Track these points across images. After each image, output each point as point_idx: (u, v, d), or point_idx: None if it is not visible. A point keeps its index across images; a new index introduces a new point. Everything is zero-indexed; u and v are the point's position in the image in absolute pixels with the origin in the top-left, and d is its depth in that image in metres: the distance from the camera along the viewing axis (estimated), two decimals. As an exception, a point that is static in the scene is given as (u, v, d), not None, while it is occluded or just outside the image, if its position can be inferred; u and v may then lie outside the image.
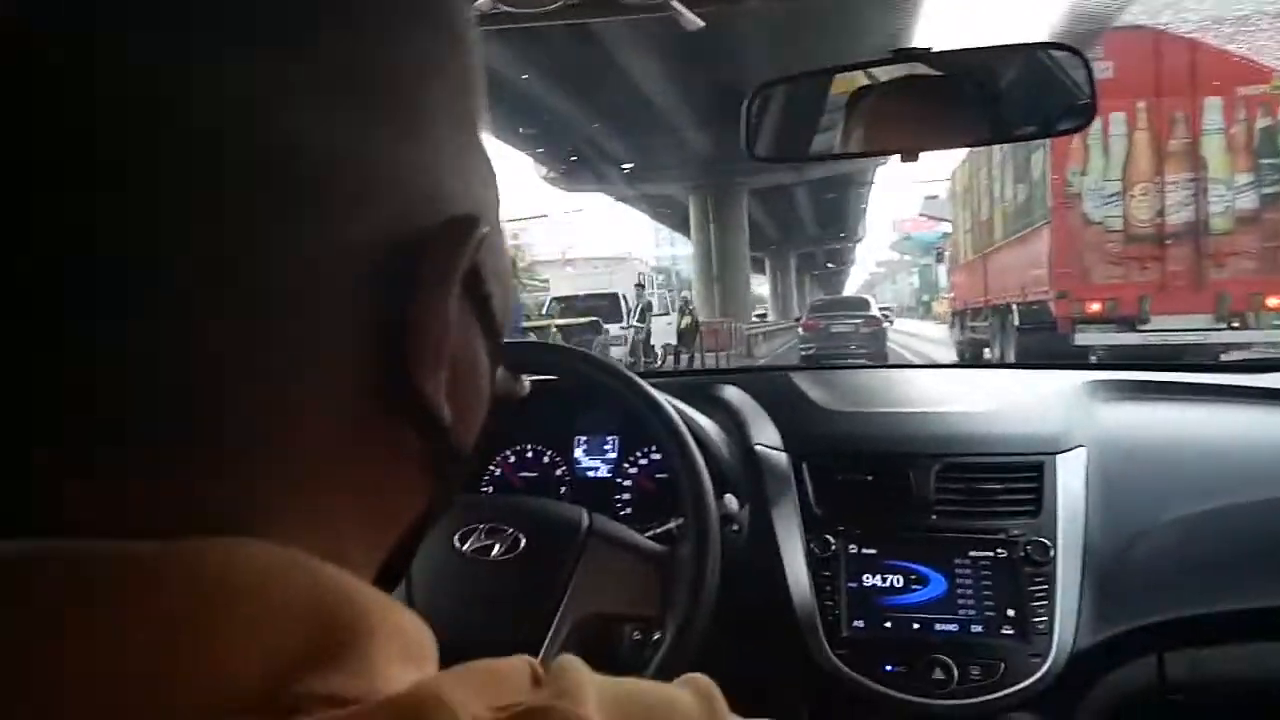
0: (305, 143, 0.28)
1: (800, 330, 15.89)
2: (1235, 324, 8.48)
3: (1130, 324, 8.62)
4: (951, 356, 15.39)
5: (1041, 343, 9.27)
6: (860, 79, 1.03)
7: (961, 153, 14.08)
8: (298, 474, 0.29)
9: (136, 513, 0.27)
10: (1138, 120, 8.57)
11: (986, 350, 12.17)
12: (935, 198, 16.17)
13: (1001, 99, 1.05)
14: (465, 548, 0.93)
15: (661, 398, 0.96)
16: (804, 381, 1.35)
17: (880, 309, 17.11)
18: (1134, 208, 8.71)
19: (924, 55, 0.97)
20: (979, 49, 1.05)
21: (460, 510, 0.97)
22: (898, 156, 1.03)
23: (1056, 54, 1.01)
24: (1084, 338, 8.76)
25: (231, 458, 0.28)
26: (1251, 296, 8.38)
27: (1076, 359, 8.23)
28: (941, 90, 1.03)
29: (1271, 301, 8.40)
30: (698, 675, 0.33)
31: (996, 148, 11.09)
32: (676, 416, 0.95)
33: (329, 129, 0.28)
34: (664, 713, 0.30)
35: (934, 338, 19.40)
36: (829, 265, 67.25)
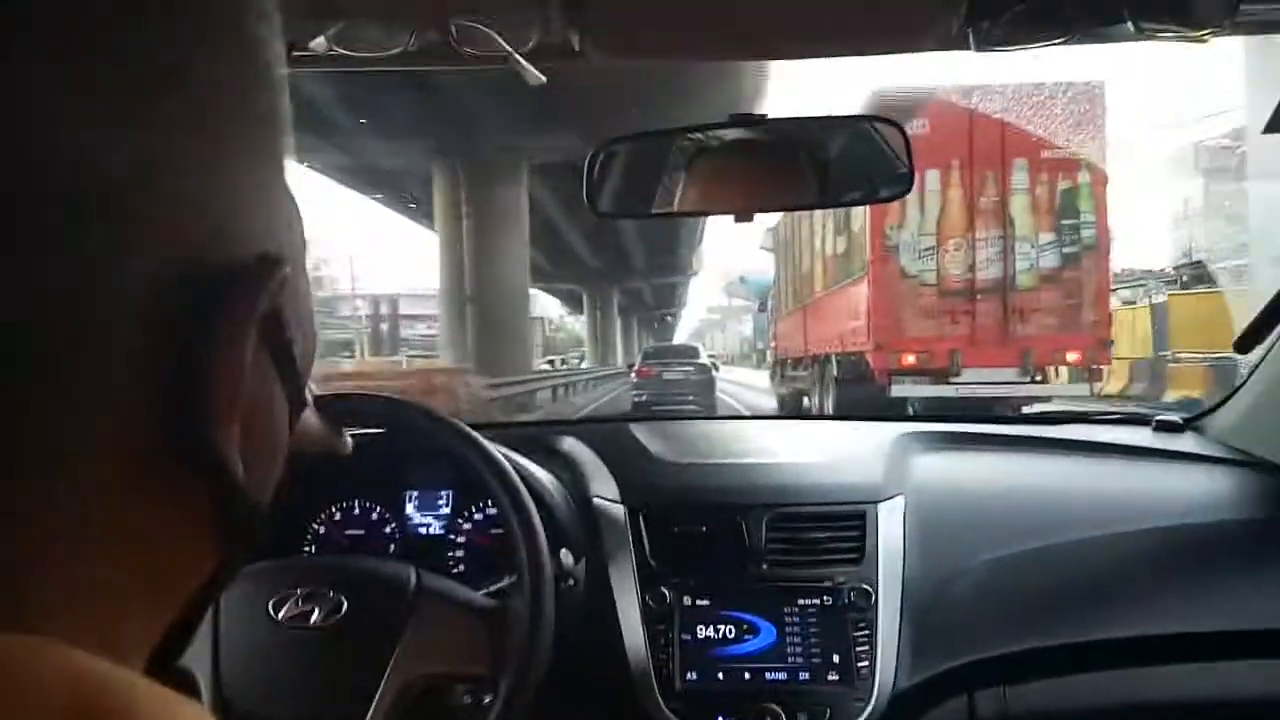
0: (90, 162, 0.25)
1: (634, 376, 16.38)
2: (1039, 378, 8.98)
3: (944, 376, 8.97)
4: (774, 406, 15.97)
5: (858, 394, 9.60)
6: (698, 141, 1.05)
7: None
8: (60, 531, 0.26)
9: None
10: (950, 178, 8.99)
11: (806, 400, 12.53)
12: (775, 228, 16.30)
13: (830, 166, 1.07)
14: (281, 616, 0.87)
15: (495, 451, 0.95)
16: (642, 433, 1.38)
17: (708, 357, 17.84)
18: (947, 262, 9.07)
19: (759, 121, 1.00)
20: (810, 118, 1.08)
21: (273, 575, 0.92)
22: (732, 217, 1.05)
23: (880, 126, 1.04)
24: (900, 389, 9.09)
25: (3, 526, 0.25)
26: (1053, 352, 8.90)
27: (893, 410, 8.65)
28: (774, 155, 1.05)
29: (1070, 356, 8.91)
30: None
31: None
32: (511, 470, 0.94)
33: (119, 151, 0.26)
34: None
35: (762, 387, 19.82)
36: (661, 312, 68.16)
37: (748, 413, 13.30)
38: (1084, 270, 8.94)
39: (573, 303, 60.55)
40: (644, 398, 14.90)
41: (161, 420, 0.28)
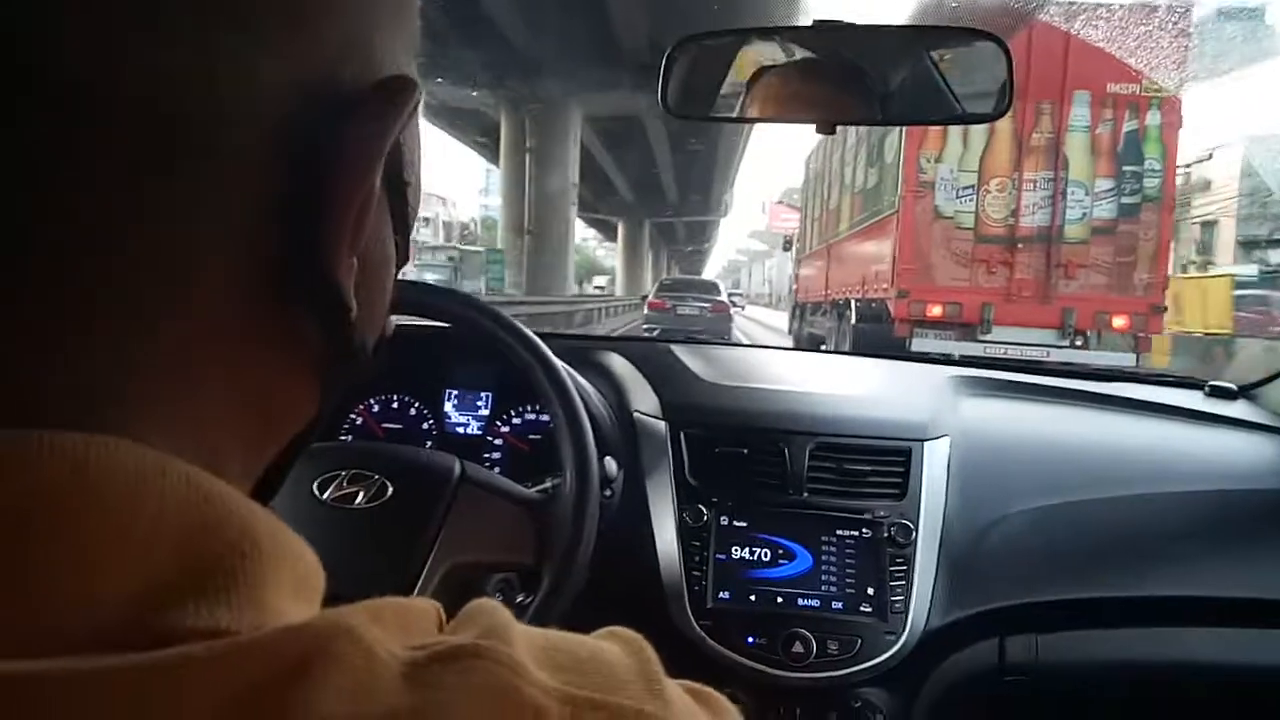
0: None
1: (646, 309, 16.38)
2: (1079, 343, 8.55)
3: (972, 332, 8.57)
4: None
5: (877, 346, 9.09)
6: (764, 54, 1.07)
7: (816, 141, 14.56)
8: (178, 363, 0.27)
9: None
10: None
11: (823, 348, 12.11)
12: (807, 160, 16.05)
13: (917, 79, 1.05)
14: (326, 496, 0.92)
15: (550, 352, 1.01)
16: (685, 354, 1.43)
17: (730, 294, 17.94)
18: (988, 205, 8.57)
19: (844, 28, 1.00)
20: (901, 27, 1.09)
21: (320, 456, 0.96)
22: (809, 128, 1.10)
23: (978, 41, 1.03)
24: (921, 343, 8.65)
25: (101, 337, 0.25)
26: (1097, 315, 8.43)
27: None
28: (858, 65, 1.05)
29: (1117, 321, 8.42)
30: (624, 630, 0.32)
31: (854, 131, 11.08)
32: (564, 371, 1.00)
33: None
34: (595, 667, 0.28)
35: (777, 326, 19.60)
36: (691, 247, 69.71)
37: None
38: (1142, 224, 8.37)
39: (607, 231, 63.82)
40: (655, 331, 14.70)
41: (285, 241, 0.28)
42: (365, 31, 0.29)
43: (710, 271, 77.04)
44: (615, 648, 0.30)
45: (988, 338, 8.46)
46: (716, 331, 14.53)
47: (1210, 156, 19.85)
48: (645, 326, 15.71)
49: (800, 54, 1.07)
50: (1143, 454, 1.30)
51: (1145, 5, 8.15)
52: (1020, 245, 8.47)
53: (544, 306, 16.65)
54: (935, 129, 8.42)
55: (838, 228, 12.27)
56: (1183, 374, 1.65)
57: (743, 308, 21.36)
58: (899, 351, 8.55)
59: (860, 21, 1.02)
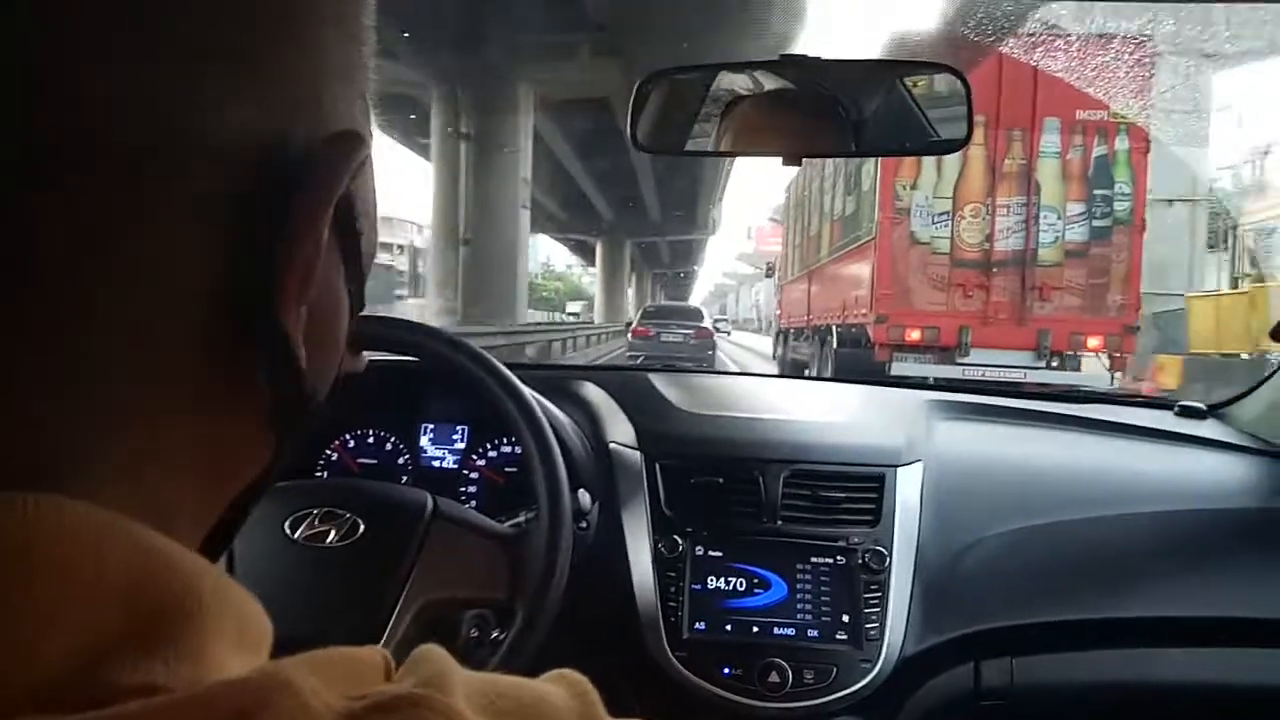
0: (180, 18, 0.26)
1: (630, 336, 16.33)
2: (1055, 364, 8.62)
3: (950, 355, 8.66)
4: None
5: (857, 370, 9.16)
6: (738, 84, 1.09)
7: (797, 169, 14.23)
8: (128, 419, 0.27)
9: None
10: (974, 136, 7.96)
11: (806, 373, 12.18)
12: (788, 189, 16.05)
13: (881, 112, 1.08)
14: (297, 535, 0.91)
15: (521, 384, 1.01)
16: (661, 382, 1.43)
17: (716, 320, 17.81)
18: (963, 230, 8.67)
19: (810, 61, 1.02)
20: (864, 61, 1.11)
21: (291, 495, 0.96)
22: (778, 159, 1.10)
23: (938, 74, 1.06)
24: (901, 367, 8.74)
25: (45, 389, 0.25)
26: (1072, 336, 8.52)
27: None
28: (823, 98, 1.06)
29: (1091, 342, 8.55)
30: (569, 672, 0.32)
31: (832, 161, 11.06)
32: (535, 404, 1.00)
33: (205, 6, 0.27)
34: (536, 710, 0.28)
35: (761, 350, 19.38)
36: (677, 270, 67.99)
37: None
38: (1114, 247, 8.49)
39: (584, 253, 61.03)
40: (639, 359, 14.74)
41: (234, 293, 0.28)
42: (316, 90, 0.30)
43: (697, 296, 75.64)
44: (559, 690, 0.30)
45: (966, 360, 8.53)
46: (700, 357, 14.69)
47: (1267, 153, 18.12)
48: (630, 354, 15.70)
49: (768, 87, 1.09)
50: (1115, 475, 1.31)
51: (1104, 36, 8.42)
52: (995, 269, 8.55)
53: (483, 339, 12.52)
54: (908, 158, 8.62)
55: (818, 254, 12.32)
56: (1153, 395, 1.67)
57: (728, 334, 20.91)
58: (879, 375, 8.50)
59: (832, 54, 1.05)
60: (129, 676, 0.22)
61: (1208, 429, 1.42)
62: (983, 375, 8.39)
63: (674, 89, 1.11)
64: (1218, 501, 1.25)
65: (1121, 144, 8.37)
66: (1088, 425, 1.43)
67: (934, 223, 8.62)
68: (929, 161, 8.57)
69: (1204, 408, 1.48)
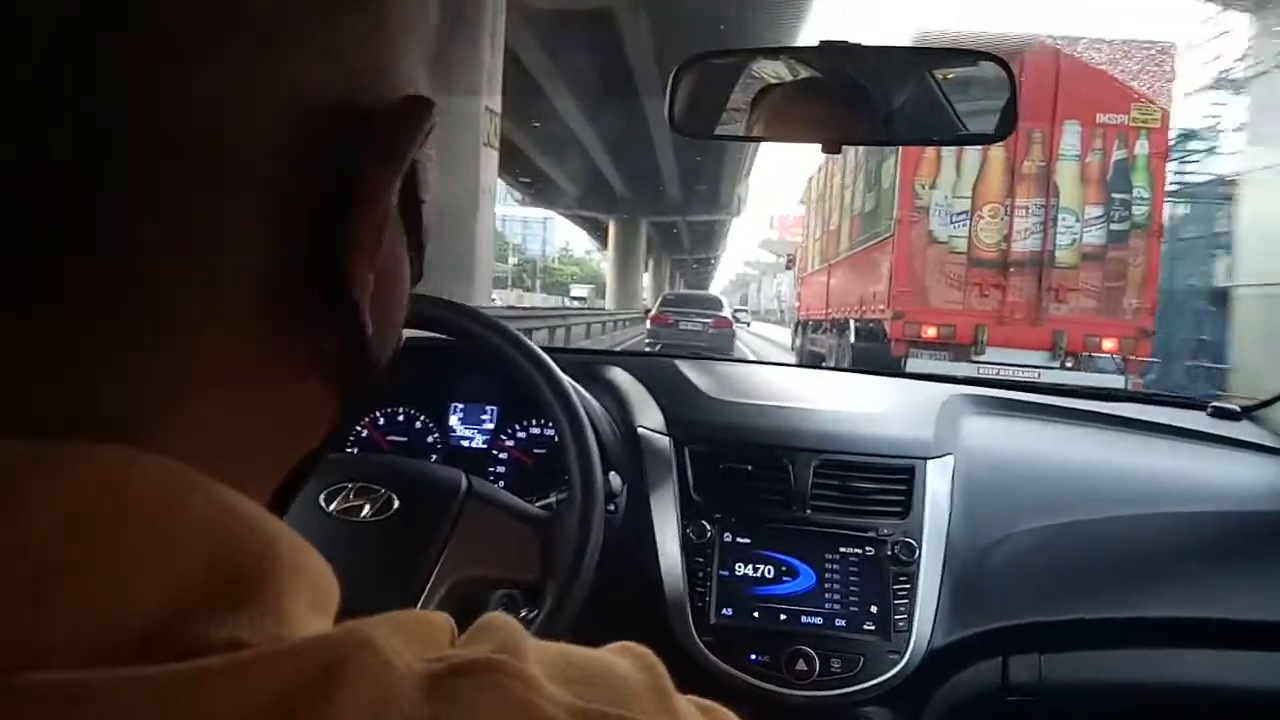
0: None
1: (649, 324, 16.18)
2: (1069, 364, 8.49)
3: (966, 353, 8.55)
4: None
5: (874, 365, 9.05)
6: (770, 72, 1.05)
7: (819, 161, 14.55)
8: (203, 379, 0.27)
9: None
10: None
11: (824, 365, 11.75)
12: (809, 181, 15.96)
13: (917, 101, 1.03)
14: (332, 508, 0.90)
15: (556, 367, 0.99)
16: (689, 369, 1.40)
17: (735, 310, 17.65)
18: (981, 230, 8.59)
19: (851, 48, 0.98)
20: (907, 49, 1.07)
21: (327, 468, 0.93)
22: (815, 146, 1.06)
23: (983, 63, 1.01)
24: (916, 364, 8.59)
25: (131, 353, 0.25)
26: (1087, 338, 8.41)
27: None
28: (863, 85, 1.02)
29: (1106, 344, 8.42)
30: (633, 644, 0.31)
31: (853, 156, 11.17)
32: (570, 386, 0.98)
33: None
34: (606, 680, 0.28)
35: (781, 342, 19.16)
36: (697, 256, 65.45)
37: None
38: (1131, 250, 8.37)
39: (597, 233, 57.52)
40: (658, 346, 14.65)
41: (305, 259, 0.28)
42: (386, 56, 0.29)
43: (718, 285, 73.60)
44: (627, 663, 0.29)
45: (981, 358, 8.45)
46: (719, 347, 14.40)
47: None
48: (648, 341, 15.48)
49: (805, 73, 1.05)
50: (1146, 474, 1.27)
51: (1129, 42, 8.28)
52: (1012, 269, 8.48)
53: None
54: (930, 155, 8.55)
55: (838, 248, 12.27)
56: (1185, 395, 1.59)
57: (747, 324, 20.65)
58: (895, 371, 8.62)
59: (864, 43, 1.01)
60: (215, 631, 0.21)
61: (1242, 430, 1.37)
62: (997, 373, 8.21)
63: (711, 72, 1.08)
64: (1250, 504, 1.21)
65: (1141, 149, 8.26)
66: (1119, 423, 1.38)
67: (952, 222, 8.56)
68: (948, 161, 8.53)
69: (1238, 409, 1.43)
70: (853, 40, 0.98)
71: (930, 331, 8.58)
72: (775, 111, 1.04)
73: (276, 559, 0.24)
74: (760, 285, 74.97)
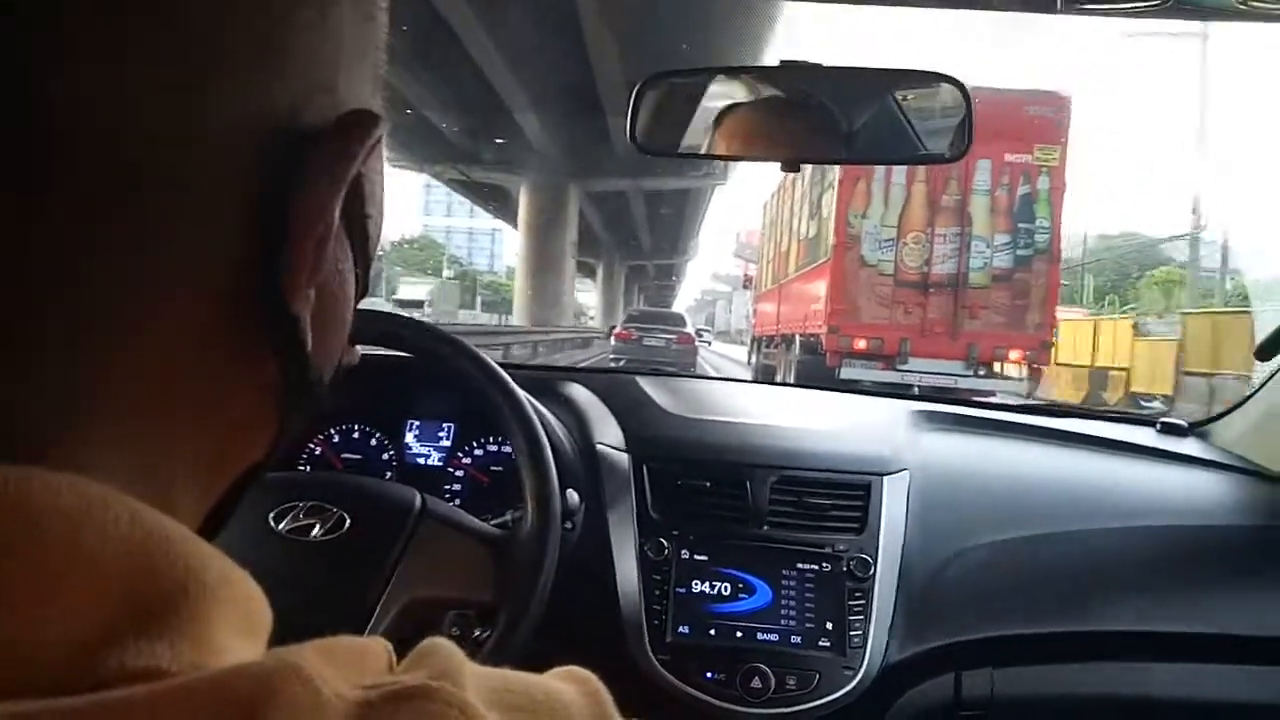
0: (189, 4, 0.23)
1: (613, 339, 15.36)
2: (981, 373, 8.70)
3: (891, 363, 8.68)
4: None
5: (813, 374, 9.30)
6: (732, 91, 0.98)
7: (774, 186, 14.28)
8: (130, 394, 0.24)
9: None
10: (917, 173, 8.61)
11: (776, 377, 12.18)
12: (764, 206, 15.87)
13: (880, 121, 0.97)
14: (281, 527, 0.80)
15: (512, 383, 0.89)
16: (650, 386, 1.29)
17: (697, 329, 16.83)
18: (905, 254, 8.75)
19: (811, 68, 0.92)
20: (866, 69, 0.97)
21: (277, 487, 0.84)
22: (777, 164, 0.99)
23: (941, 84, 0.95)
24: (849, 372, 8.78)
25: (49, 367, 0.22)
26: (996, 349, 8.63)
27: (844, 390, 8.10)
28: (822, 105, 0.96)
29: (1013, 355, 8.64)
30: (577, 669, 0.29)
31: (799, 186, 11.17)
32: (527, 402, 0.89)
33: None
34: (547, 707, 0.25)
35: (738, 358, 19.01)
36: (659, 282, 64.49)
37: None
38: (1034, 273, 8.62)
39: (587, 272, 57.41)
40: (622, 362, 13.90)
41: (243, 273, 0.25)
42: (330, 71, 0.27)
43: (682, 305, 70.98)
44: (569, 688, 0.27)
45: (905, 368, 8.59)
46: (682, 363, 13.70)
47: None
48: (612, 356, 14.68)
49: (767, 92, 0.97)
50: (1097, 489, 1.18)
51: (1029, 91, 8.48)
52: (932, 289, 8.65)
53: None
54: (862, 188, 8.72)
55: (786, 270, 12.28)
56: (1135, 412, 1.53)
57: (709, 343, 20.07)
58: (830, 379, 8.66)
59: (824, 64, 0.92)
60: (131, 660, 0.19)
61: (1189, 446, 1.29)
62: (919, 380, 8.40)
63: (674, 91, 1.00)
64: (1198, 518, 1.13)
65: (1043, 184, 8.47)
66: (1071, 439, 1.29)
67: (881, 248, 8.72)
68: (878, 193, 8.70)
69: (1185, 425, 1.34)
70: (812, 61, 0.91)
71: (860, 343, 8.71)
72: (737, 130, 0.97)
73: (200, 583, 0.21)
74: (731, 302, 65.89)
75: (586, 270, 58.31)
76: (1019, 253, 8.52)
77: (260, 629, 0.24)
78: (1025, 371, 8.71)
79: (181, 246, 0.23)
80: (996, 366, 8.76)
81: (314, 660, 0.20)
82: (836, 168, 8.85)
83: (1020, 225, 8.50)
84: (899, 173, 8.56)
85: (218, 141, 0.23)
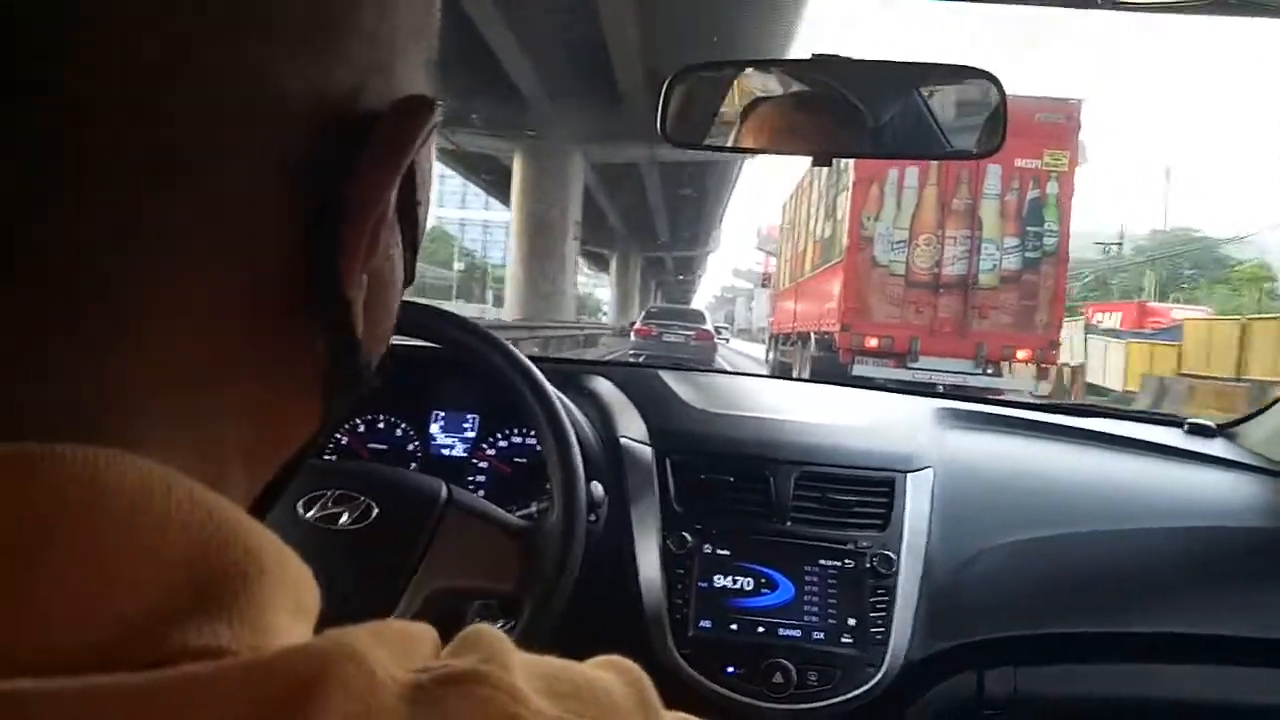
0: None
1: (633, 335, 15.11)
2: (990, 371, 8.72)
3: (902, 360, 8.69)
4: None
5: (828, 371, 9.26)
6: (759, 84, 0.93)
7: (793, 187, 14.19)
8: (183, 376, 0.23)
9: None
10: (929, 177, 8.66)
11: (793, 374, 12.10)
12: (784, 207, 15.72)
13: (906, 115, 0.92)
14: (310, 515, 0.78)
15: (541, 375, 0.86)
16: (673, 380, 1.24)
17: (716, 326, 16.58)
18: (917, 256, 8.76)
19: (842, 62, 0.88)
20: (894, 63, 0.95)
21: (305, 475, 0.70)
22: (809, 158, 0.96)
23: (973, 79, 0.90)
24: (861, 369, 8.81)
25: (105, 349, 0.22)
26: (1004, 348, 8.63)
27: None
28: (853, 99, 0.90)
29: (1020, 354, 8.64)
30: (619, 658, 0.28)
31: (816, 188, 11.15)
32: (555, 395, 0.86)
33: None
34: (592, 694, 0.24)
35: (755, 356, 18.72)
36: (679, 277, 60.67)
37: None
38: (1042, 275, 8.63)
39: (599, 264, 52.37)
40: (642, 358, 13.60)
41: (298, 257, 0.24)
42: (388, 55, 0.26)
43: (701, 302, 67.97)
44: (612, 677, 0.26)
45: (915, 366, 8.60)
46: (701, 359, 13.51)
47: None
48: (631, 352, 14.35)
49: (795, 86, 0.94)
50: (1123, 490, 1.14)
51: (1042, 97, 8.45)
52: (942, 290, 8.67)
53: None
54: (875, 192, 8.74)
55: (803, 270, 12.26)
56: (1162, 413, 1.47)
57: (726, 340, 19.32)
58: (843, 376, 8.65)
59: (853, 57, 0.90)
60: (193, 638, 0.18)
61: (1217, 447, 1.24)
62: (929, 378, 8.36)
63: (704, 84, 0.97)
64: (1225, 519, 1.08)
65: (1052, 189, 8.48)
66: (1097, 439, 1.24)
67: (893, 249, 8.75)
68: (890, 196, 8.71)
69: (1214, 426, 1.29)
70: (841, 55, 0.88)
71: (872, 342, 8.73)
72: (765, 124, 0.94)
73: (259, 565, 0.21)
74: (752, 299, 56.46)
75: (599, 262, 52.63)
76: (1027, 255, 8.52)
77: (310, 612, 0.23)
78: (1035, 370, 8.73)
79: (234, 229, 0.23)
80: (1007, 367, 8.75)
81: (368, 642, 0.20)
82: (851, 170, 8.87)
83: (1029, 229, 8.49)
84: (911, 176, 8.59)
85: (276, 121, 0.23)
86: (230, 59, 0.21)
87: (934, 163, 8.49)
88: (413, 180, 0.27)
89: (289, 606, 0.21)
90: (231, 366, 0.24)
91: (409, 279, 0.30)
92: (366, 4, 0.24)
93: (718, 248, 47.68)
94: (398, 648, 0.21)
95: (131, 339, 0.21)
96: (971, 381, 8.53)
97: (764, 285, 19.28)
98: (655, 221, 34.07)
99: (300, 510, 0.79)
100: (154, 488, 0.20)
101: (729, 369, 12.40)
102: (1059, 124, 8.45)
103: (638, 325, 15.27)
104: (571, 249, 19.35)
